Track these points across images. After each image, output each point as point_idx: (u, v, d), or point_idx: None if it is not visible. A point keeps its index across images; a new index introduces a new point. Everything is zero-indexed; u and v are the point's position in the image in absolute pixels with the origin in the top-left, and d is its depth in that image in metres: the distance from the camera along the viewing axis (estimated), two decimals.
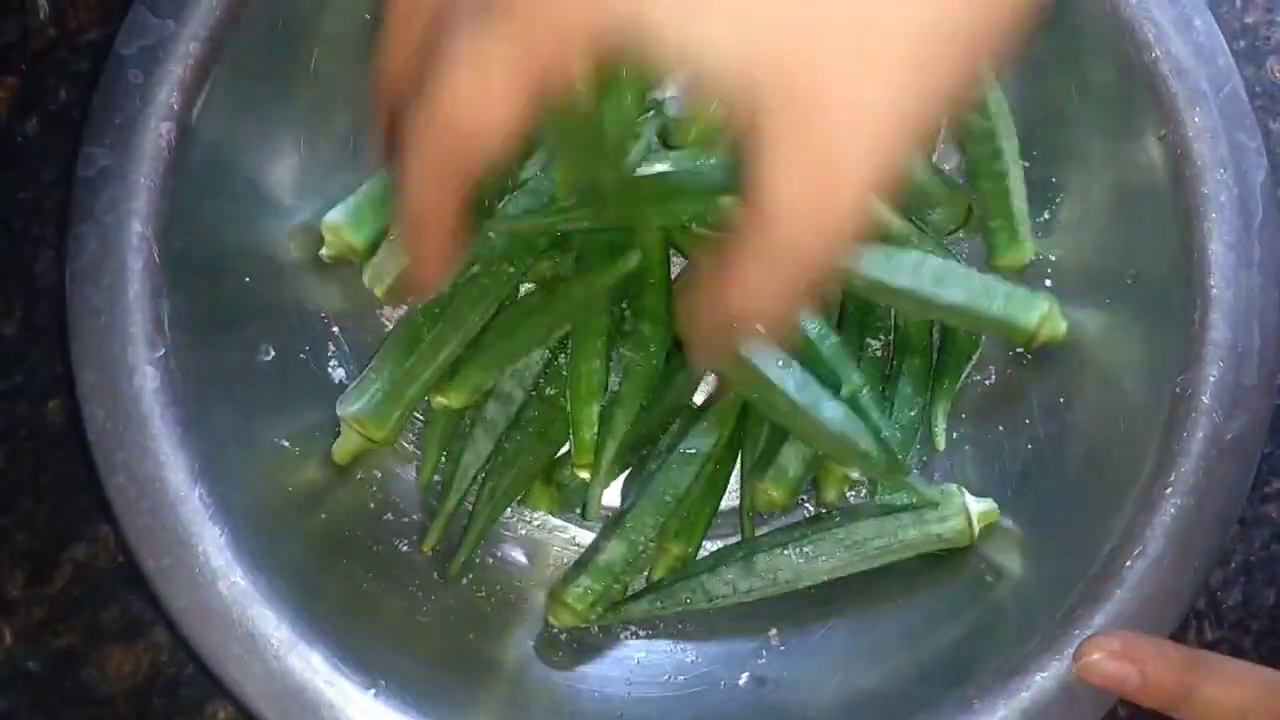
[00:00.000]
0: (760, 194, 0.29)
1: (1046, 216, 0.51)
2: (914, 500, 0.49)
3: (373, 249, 0.50)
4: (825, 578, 0.49)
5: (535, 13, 0.29)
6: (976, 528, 0.48)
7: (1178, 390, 0.44)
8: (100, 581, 0.50)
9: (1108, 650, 0.39)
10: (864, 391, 0.48)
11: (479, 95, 0.30)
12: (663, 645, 0.49)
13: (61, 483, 0.51)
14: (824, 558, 0.49)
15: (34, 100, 0.53)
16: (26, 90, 0.53)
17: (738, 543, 0.51)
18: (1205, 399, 0.44)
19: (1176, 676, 0.38)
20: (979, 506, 0.48)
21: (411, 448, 0.52)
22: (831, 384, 0.48)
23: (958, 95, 0.29)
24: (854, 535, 0.49)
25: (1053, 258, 0.50)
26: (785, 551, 0.49)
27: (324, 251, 0.50)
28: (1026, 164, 0.51)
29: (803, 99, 0.28)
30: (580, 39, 0.29)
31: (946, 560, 0.49)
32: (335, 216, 0.49)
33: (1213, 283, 0.44)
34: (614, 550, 0.49)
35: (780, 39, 0.28)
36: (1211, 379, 0.44)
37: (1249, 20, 0.54)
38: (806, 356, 0.48)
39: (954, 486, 0.48)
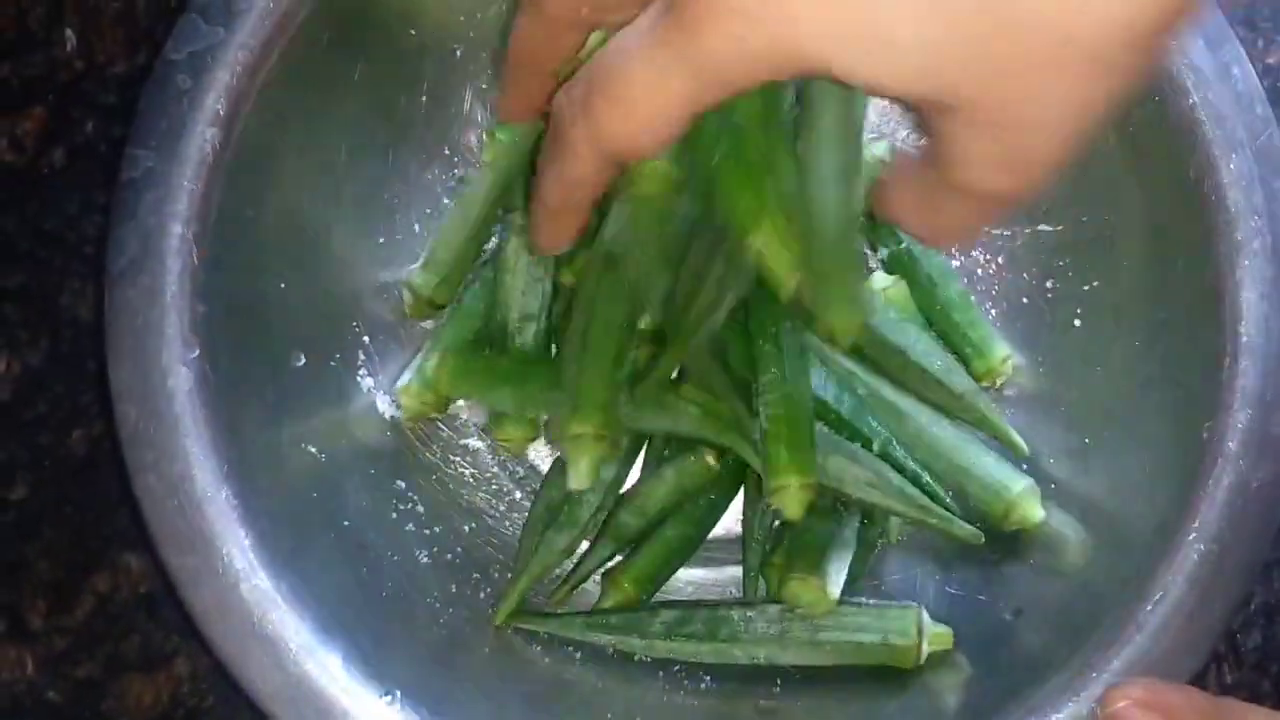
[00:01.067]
0: (949, 150, 0.32)
1: (1075, 261, 0.51)
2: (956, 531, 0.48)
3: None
4: (762, 655, 0.47)
5: (720, 32, 0.30)
6: (925, 650, 0.47)
7: (1204, 436, 0.44)
8: (122, 612, 0.51)
9: (1133, 699, 0.39)
10: (893, 443, 0.49)
11: (654, 97, 0.33)
12: (674, 674, 0.49)
13: (84, 513, 0.51)
14: (765, 626, 0.47)
15: (61, 132, 0.53)
16: (53, 122, 0.53)
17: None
18: (1232, 446, 0.43)
19: None
20: (934, 629, 0.47)
21: (437, 459, 0.52)
22: (860, 439, 0.49)
23: (1133, 89, 0.30)
24: (799, 615, 0.47)
25: (1078, 308, 0.50)
26: (730, 611, 0.48)
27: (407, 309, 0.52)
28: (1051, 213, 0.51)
29: (992, 106, 0.30)
30: (763, 70, 0.31)
31: (966, 598, 0.49)
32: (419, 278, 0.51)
33: (1243, 330, 0.44)
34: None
35: (965, 56, 0.29)
36: (1239, 426, 0.43)
37: (1271, 61, 0.54)
38: (830, 417, 0.49)
39: (913, 605, 0.48)
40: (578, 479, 0.45)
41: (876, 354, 0.50)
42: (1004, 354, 0.51)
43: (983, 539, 0.48)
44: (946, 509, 0.48)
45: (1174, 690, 0.39)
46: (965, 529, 0.48)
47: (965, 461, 0.49)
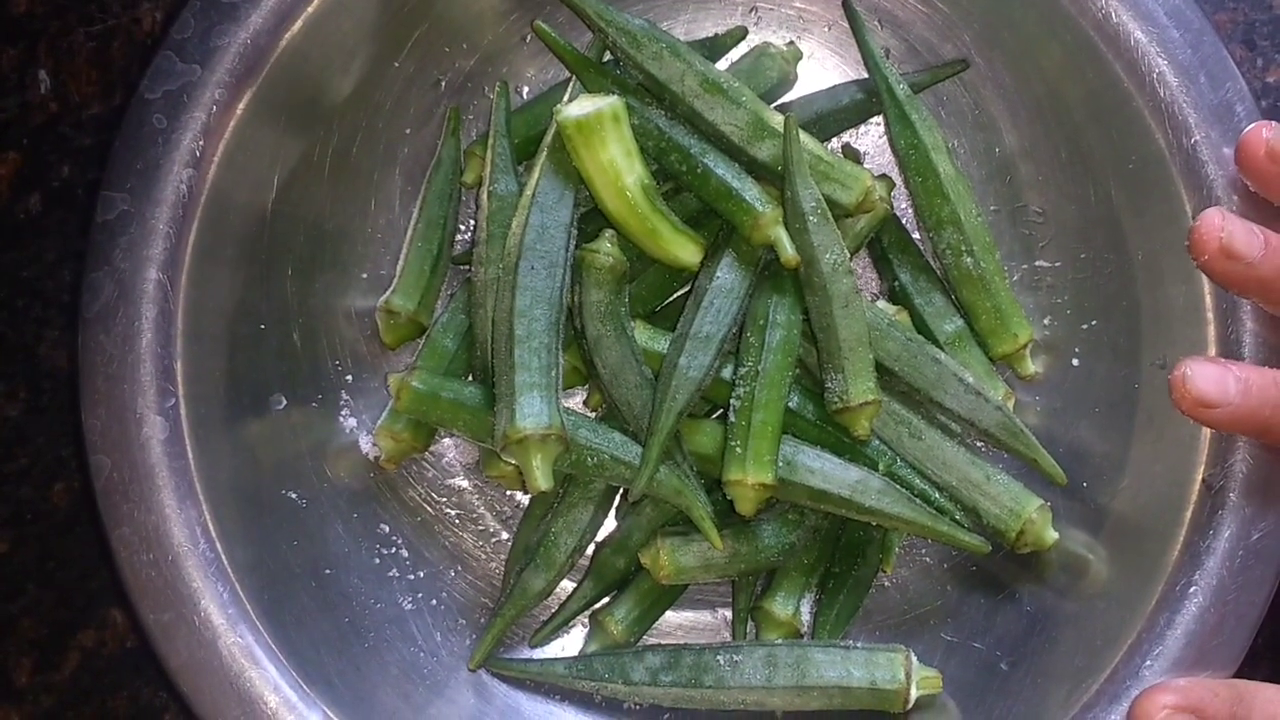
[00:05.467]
0: None
1: (1074, 299, 0.50)
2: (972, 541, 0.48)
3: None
4: (749, 701, 0.46)
5: None
6: (914, 694, 0.46)
7: (1207, 484, 0.43)
8: (109, 668, 0.50)
9: (1171, 705, 0.39)
10: (897, 463, 0.49)
11: None
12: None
13: (68, 568, 0.50)
14: (751, 670, 0.46)
15: (36, 177, 0.52)
16: (28, 167, 0.52)
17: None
18: (1234, 496, 0.42)
19: (1229, 712, 0.39)
20: (923, 672, 0.46)
21: (422, 500, 0.51)
22: (868, 464, 0.48)
23: None
24: (785, 658, 0.46)
25: (1076, 347, 0.49)
26: (716, 656, 0.47)
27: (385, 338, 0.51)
28: (1049, 247, 0.50)
29: None
30: None
31: (962, 647, 0.48)
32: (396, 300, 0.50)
33: None
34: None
35: None
36: (1241, 475, 0.43)
37: (1270, 80, 0.53)
38: (839, 446, 0.48)
39: (902, 648, 0.47)
40: (534, 481, 0.44)
41: (910, 377, 0.49)
42: (1003, 390, 0.50)
43: (989, 549, 0.47)
44: (956, 523, 0.48)
45: (1197, 684, 0.40)
46: (973, 539, 0.47)
47: (979, 478, 0.48)
